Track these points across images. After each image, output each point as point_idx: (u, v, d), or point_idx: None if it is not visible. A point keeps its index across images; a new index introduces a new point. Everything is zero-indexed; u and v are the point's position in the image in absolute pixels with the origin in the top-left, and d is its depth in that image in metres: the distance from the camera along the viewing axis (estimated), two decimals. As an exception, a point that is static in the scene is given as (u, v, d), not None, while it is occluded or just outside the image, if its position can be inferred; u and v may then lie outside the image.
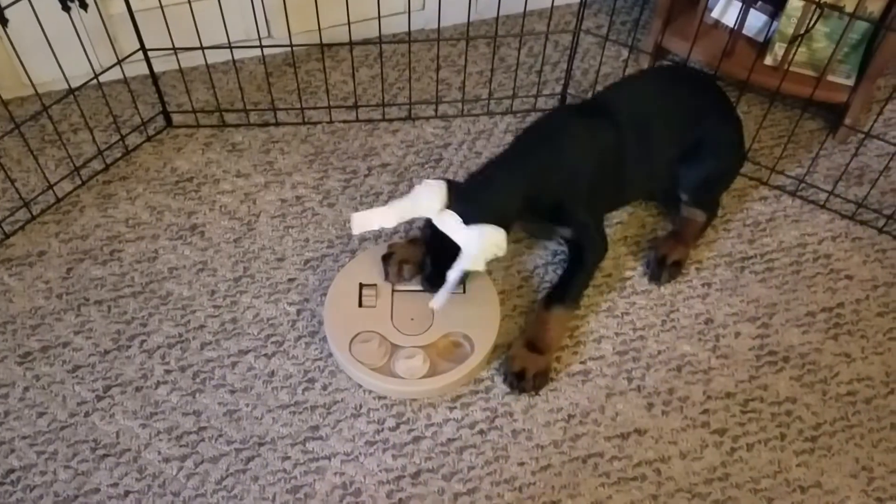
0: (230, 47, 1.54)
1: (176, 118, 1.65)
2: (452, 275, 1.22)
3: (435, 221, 1.24)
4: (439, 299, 1.25)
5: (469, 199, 1.25)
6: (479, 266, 1.22)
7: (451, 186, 1.25)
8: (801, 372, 1.32)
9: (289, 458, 1.23)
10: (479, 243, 1.20)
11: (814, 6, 1.51)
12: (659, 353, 1.34)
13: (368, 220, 1.26)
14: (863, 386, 1.31)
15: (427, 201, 1.23)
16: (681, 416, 1.27)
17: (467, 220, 1.21)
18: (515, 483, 1.20)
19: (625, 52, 1.79)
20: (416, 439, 1.25)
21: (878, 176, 1.55)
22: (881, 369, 1.34)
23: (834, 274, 1.45)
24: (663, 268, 1.41)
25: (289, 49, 1.72)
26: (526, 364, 1.28)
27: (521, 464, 1.22)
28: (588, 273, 1.36)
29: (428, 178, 1.51)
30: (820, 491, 1.20)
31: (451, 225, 1.22)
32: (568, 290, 1.33)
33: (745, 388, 1.30)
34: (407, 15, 1.59)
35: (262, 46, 1.57)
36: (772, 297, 1.41)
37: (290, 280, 1.43)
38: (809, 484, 1.20)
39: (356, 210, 1.52)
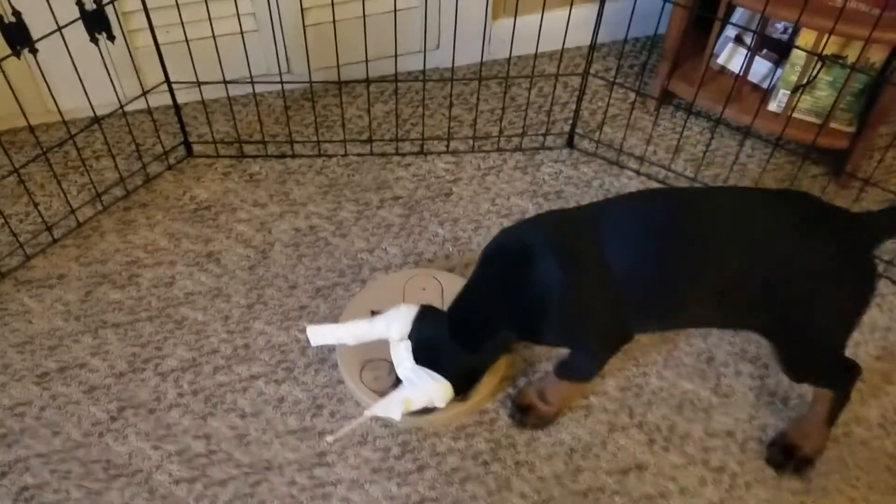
0: (252, 82, 1.59)
1: (196, 148, 1.71)
2: (365, 414, 1.13)
3: (391, 347, 1.15)
4: (339, 434, 1.19)
5: (427, 336, 1.13)
6: (395, 415, 1.10)
7: (423, 315, 1.14)
8: (799, 412, 1.35)
9: (295, 483, 1.25)
10: (410, 391, 1.11)
11: (816, 57, 1.56)
12: (661, 389, 1.37)
13: (325, 335, 1.17)
14: (860, 428, 1.34)
15: (385, 328, 1.14)
16: (681, 452, 1.30)
17: (418, 358, 1.12)
18: None
19: (632, 95, 1.84)
20: (421, 468, 1.28)
21: (878, 222, 1.59)
22: (878, 412, 1.36)
23: (833, 316, 1.48)
24: (791, 460, 1.27)
25: (307, 84, 1.78)
26: (533, 403, 1.31)
27: (523, 496, 1.25)
28: (586, 374, 1.26)
29: (436, 219, 1.55)
30: (816, 530, 1.22)
31: (400, 357, 1.13)
32: (571, 371, 1.26)
33: (744, 427, 1.32)
34: (422, 54, 1.65)
35: (282, 83, 1.63)
36: (772, 338, 1.44)
37: (302, 307, 1.47)
38: (806, 523, 1.23)
39: (367, 239, 1.56)
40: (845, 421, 1.34)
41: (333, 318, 1.44)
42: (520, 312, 1.11)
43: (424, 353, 1.12)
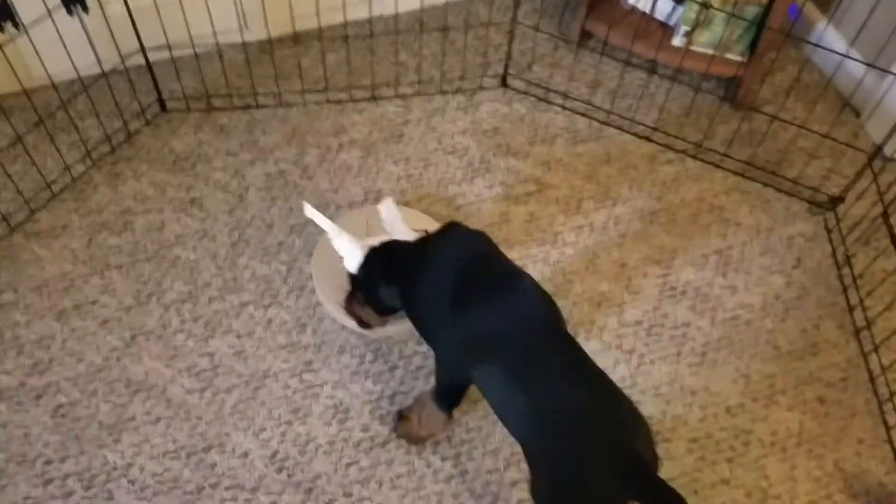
0: (217, 45, 1.78)
1: (169, 104, 1.90)
2: (322, 218, 1.40)
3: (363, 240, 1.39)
4: (314, 214, 1.41)
5: (378, 260, 1.36)
6: (332, 234, 1.39)
7: (396, 246, 1.36)
8: (695, 302, 1.65)
9: (289, 386, 1.52)
10: (349, 249, 1.39)
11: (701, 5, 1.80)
12: (584, 291, 1.66)
13: (316, 216, 1.41)
14: (744, 311, 1.65)
15: (359, 247, 1.38)
16: (599, 340, 1.60)
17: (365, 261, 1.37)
18: (471, 398, 1.52)
19: (557, 35, 2.07)
20: (392, 368, 1.55)
21: (762, 138, 1.87)
22: (760, 298, 1.67)
23: (725, 222, 1.78)
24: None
25: (264, 38, 1.97)
26: (410, 418, 1.46)
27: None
28: (438, 393, 1.40)
29: (390, 159, 1.78)
30: (707, 394, 1.54)
31: (359, 248, 1.38)
32: (433, 390, 1.41)
33: (649, 316, 1.63)
34: (368, 3, 1.83)
35: (244, 43, 1.82)
36: (674, 243, 1.73)
37: (280, 243, 1.70)
38: (699, 389, 1.55)
39: (330, 181, 1.79)
40: (733, 307, 1.65)
41: (308, 251, 1.68)
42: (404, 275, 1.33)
43: (371, 264, 1.36)
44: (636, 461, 1.08)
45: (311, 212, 1.41)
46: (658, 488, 1.07)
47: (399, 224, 1.41)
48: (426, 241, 1.35)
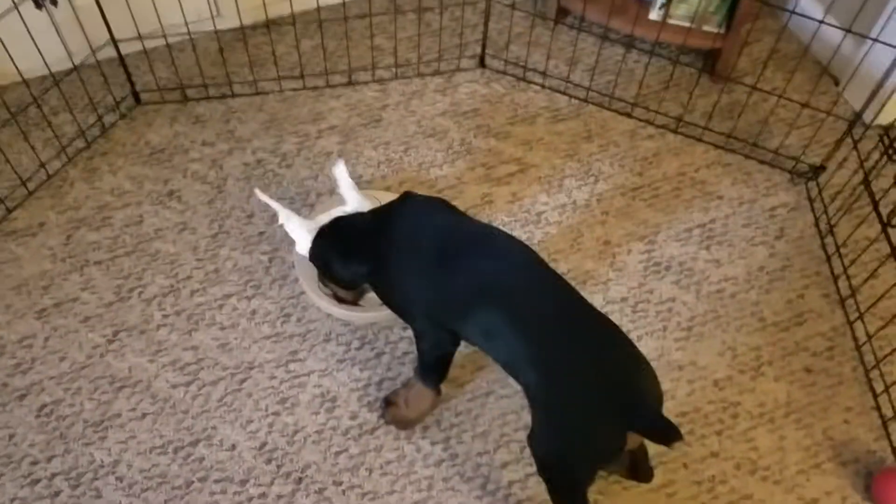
0: (189, 33, 1.75)
1: (144, 96, 1.87)
2: (282, 214, 1.40)
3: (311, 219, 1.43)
4: (266, 199, 1.41)
5: (330, 234, 1.38)
6: (282, 217, 1.40)
7: (351, 219, 1.38)
8: (680, 276, 1.65)
9: (275, 377, 1.51)
10: (301, 234, 1.40)
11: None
12: (569, 270, 1.65)
13: (268, 202, 1.41)
14: (729, 284, 1.65)
15: (309, 224, 1.40)
16: (586, 319, 1.59)
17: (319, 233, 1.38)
18: (458, 381, 1.52)
19: (533, 13, 2.05)
20: (378, 355, 1.55)
21: (742, 110, 1.87)
22: (744, 270, 1.67)
23: (707, 195, 1.77)
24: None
25: (236, 25, 1.94)
26: (397, 403, 1.45)
27: (462, 366, 1.54)
28: (422, 368, 1.39)
29: (370, 144, 1.77)
30: (694, 368, 1.54)
31: (310, 227, 1.39)
32: (416, 369, 1.41)
33: (635, 292, 1.63)
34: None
35: (217, 31, 1.79)
36: (657, 219, 1.73)
37: (261, 233, 1.69)
38: (686, 363, 1.55)
39: (310, 168, 1.78)
40: (718, 280, 1.65)
41: (289, 240, 1.67)
42: (371, 254, 1.33)
43: (327, 237, 1.37)
44: (633, 395, 1.12)
45: (262, 196, 1.41)
46: (654, 419, 1.11)
47: (350, 189, 1.41)
48: (382, 213, 1.35)
